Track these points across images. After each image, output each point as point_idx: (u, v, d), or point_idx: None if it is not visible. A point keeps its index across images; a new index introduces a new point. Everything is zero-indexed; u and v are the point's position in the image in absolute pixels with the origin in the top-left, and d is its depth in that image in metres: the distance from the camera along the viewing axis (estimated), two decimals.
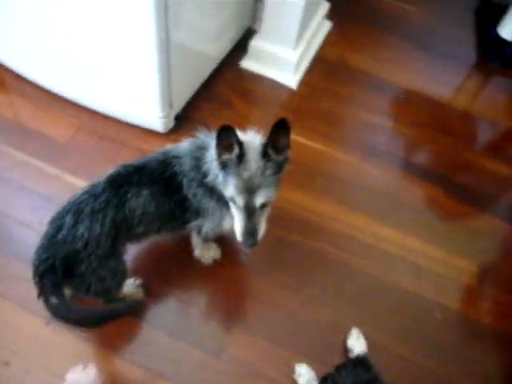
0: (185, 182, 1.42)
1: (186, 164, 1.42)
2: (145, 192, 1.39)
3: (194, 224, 1.55)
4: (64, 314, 1.37)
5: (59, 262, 1.31)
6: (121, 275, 1.49)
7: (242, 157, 1.24)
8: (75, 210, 1.33)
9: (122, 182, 1.38)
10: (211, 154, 1.34)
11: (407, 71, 2.65)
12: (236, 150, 1.24)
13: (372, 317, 1.77)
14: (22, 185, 1.92)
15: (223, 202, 1.41)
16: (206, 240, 1.68)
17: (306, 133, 2.24)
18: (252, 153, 1.26)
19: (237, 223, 1.32)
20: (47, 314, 1.59)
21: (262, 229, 1.32)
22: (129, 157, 2.01)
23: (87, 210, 1.33)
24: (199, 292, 1.78)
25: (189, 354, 1.61)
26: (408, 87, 2.57)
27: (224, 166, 1.28)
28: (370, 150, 2.25)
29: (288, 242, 1.90)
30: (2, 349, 1.56)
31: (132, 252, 1.76)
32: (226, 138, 1.22)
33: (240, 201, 1.26)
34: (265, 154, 1.25)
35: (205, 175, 1.38)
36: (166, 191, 1.42)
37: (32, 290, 1.63)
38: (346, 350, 1.65)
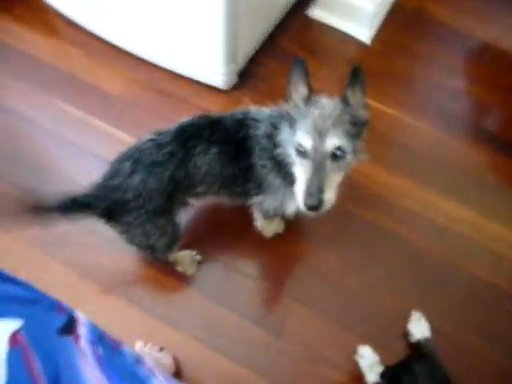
0: (256, 149, 1.29)
1: (262, 130, 1.28)
2: (213, 150, 1.27)
3: (254, 200, 1.44)
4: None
5: (104, 207, 1.23)
6: (170, 237, 1.39)
7: (310, 97, 1.11)
8: (136, 157, 1.23)
9: (191, 135, 1.26)
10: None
11: (493, 25, 2.35)
12: (304, 89, 1.12)
13: (439, 302, 1.66)
14: (74, 143, 1.84)
15: (289, 181, 1.27)
16: (266, 217, 1.58)
17: (379, 96, 2.05)
18: (325, 100, 1.13)
19: (299, 180, 1.11)
20: (105, 281, 1.60)
21: (331, 191, 1.08)
22: (187, 114, 1.92)
23: (148, 160, 1.22)
24: (259, 265, 1.70)
25: (248, 330, 1.56)
26: (492, 43, 2.29)
27: (293, 122, 1.13)
28: (446, 117, 2.05)
29: (354, 216, 1.78)
30: None
31: (189, 219, 1.71)
32: (299, 73, 1.10)
33: (307, 142, 1.07)
34: (344, 99, 1.12)
35: (276, 146, 1.24)
36: (235, 154, 1.30)
37: (91, 257, 1.62)
38: (406, 334, 1.57)
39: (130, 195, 1.22)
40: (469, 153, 1.98)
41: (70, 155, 1.82)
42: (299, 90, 1.13)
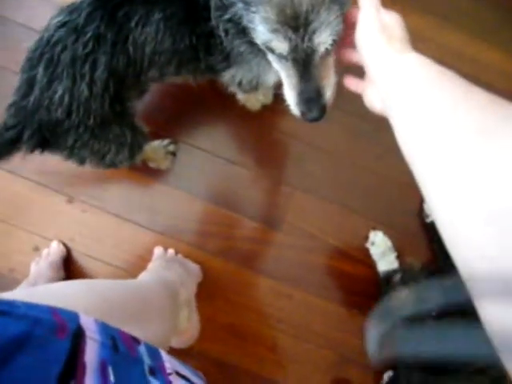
0: (213, 3, 0.85)
1: None
2: (156, 16, 0.87)
3: (224, 75, 1.07)
4: None
5: (30, 134, 0.89)
6: (130, 147, 1.06)
7: None
8: (49, 57, 0.85)
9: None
10: None
11: None
12: None
13: None
14: None
15: (260, 50, 0.87)
16: (245, 92, 1.21)
17: None
18: None
19: (285, 84, 0.80)
20: (67, 189, 1.34)
21: (330, 84, 0.78)
22: None
23: (65, 57, 0.84)
24: (247, 149, 1.41)
25: (243, 227, 1.36)
26: None
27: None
28: None
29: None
30: (29, 234, 1.32)
31: (151, 97, 1.36)
32: None
33: (281, 47, 0.71)
34: None
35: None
36: (187, 17, 0.89)
37: (45, 163, 1.32)
38: (421, 212, 1.38)
39: (56, 114, 0.86)
40: None
41: None
42: None
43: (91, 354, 0.54)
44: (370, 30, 0.62)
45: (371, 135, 1.39)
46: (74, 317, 0.56)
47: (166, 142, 1.33)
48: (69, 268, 1.31)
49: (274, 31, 0.69)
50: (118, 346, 0.58)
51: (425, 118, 0.49)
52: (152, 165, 1.32)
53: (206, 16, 0.87)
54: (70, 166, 1.11)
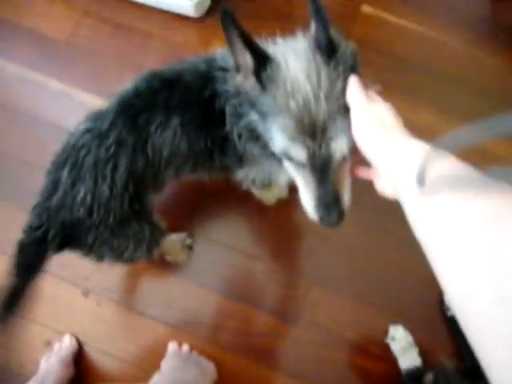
0: (228, 110, 0.90)
1: (232, 83, 0.85)
2: (175, 121, 0.91)
3: (237, 174, 1.12)
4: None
5: (53, 234, 0.90)
6: (148, 243, 1.07)
7: (260, 69, 0.72)
8: (73, 160, 0.89)
9: (140, 107, 0.90)
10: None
11: None
12: (247, 56, 0.71)
13: None
14: (19, 109, 1.47)
15: (272, 154, 0.87)
16: (258, 188, 1.25)
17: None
18: (293, 62, 0.73)
19: (303, 191, 0.79)
20: (82, 282, 1.34)
21: (347, 193, 0.77)
22: (157, 54, 1.53)
23: (89, 161, 0.89)
24: (262, 241, 1.41)
25: (258, 321, 1.33)
26: None
27: (260, 110, 0.76)
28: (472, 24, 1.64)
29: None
30: (42, 327, 1.31)
31: (168, 192, 1.40)
32: (233, 33, 0.68)
33: (299, 154, 0.72)
34: (327, 46, 0.70)
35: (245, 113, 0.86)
36: (203, 122, 0.93)
37: (62, 255, 1.34)
38: (443, 307, 1.33)
39: (78, 213, 0.89)
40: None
41: (12, 124, 1.45)
42: (244, 59, 0.72)
43: None
44: (363, 126, 0.63)
45: (387, 227, 1.39)
46: None
47: (182, 235, 1.35)
48: (80, 364, 1.27)
49: (293, 140, 0.71)
50: None
51: (440, 218, 0.48)
52: (169, 258, 1.33)
53: (220, 121, 0.91)
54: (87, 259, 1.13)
